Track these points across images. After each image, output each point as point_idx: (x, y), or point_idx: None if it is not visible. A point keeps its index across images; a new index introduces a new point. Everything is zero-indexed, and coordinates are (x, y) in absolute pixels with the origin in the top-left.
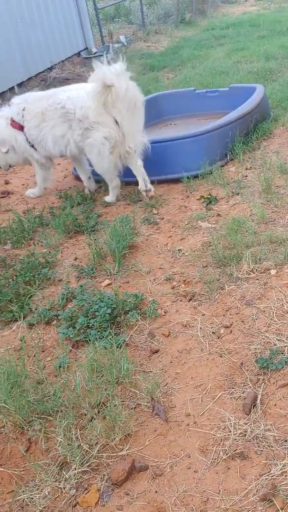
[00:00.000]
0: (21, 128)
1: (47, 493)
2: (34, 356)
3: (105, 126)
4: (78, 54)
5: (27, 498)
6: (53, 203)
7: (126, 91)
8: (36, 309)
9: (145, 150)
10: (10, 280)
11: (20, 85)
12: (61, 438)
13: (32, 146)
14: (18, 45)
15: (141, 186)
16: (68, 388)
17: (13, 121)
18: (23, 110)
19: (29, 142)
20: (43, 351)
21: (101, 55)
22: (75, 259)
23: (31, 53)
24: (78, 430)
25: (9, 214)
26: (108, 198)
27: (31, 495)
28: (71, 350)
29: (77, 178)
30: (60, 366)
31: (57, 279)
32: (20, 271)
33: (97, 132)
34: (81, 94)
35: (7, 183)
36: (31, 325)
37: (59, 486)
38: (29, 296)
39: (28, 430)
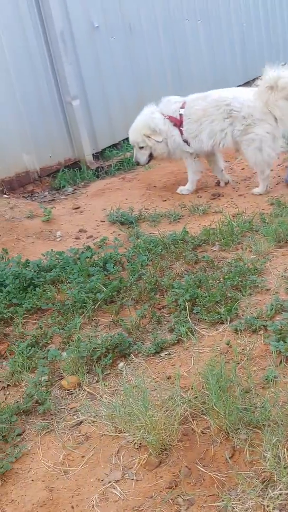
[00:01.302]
0: (178, 123)
1: (249, 507)
2: (240, 363)
3: (267, 123)
4: None
5: (229, 506)
6: (263, 209)
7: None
8: (243, 315)
9: None
10: (217, 281)
11: None
12: (269, 454)
13: (185, 141)
14: (241, 49)
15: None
16: (277, 403)
17: (170, 116)
18: (182, 107)
19: (183, 137)
20: (249, 359)
21: None
22: (285, 270)
23: (252, 57)
24: (286, 450)
25: (218, 216)
26: (257, 190)
27: (233, 504)
28: (281, 364)
29: None
30: (270, 379)
31: (265, 288)
32: (228, 274)
33: (259, 128)
34: (247, 95)
35: (217, 184)
36: (237, 331)
37: (262, 502)
38: (236, 300)
39: (233, 437)
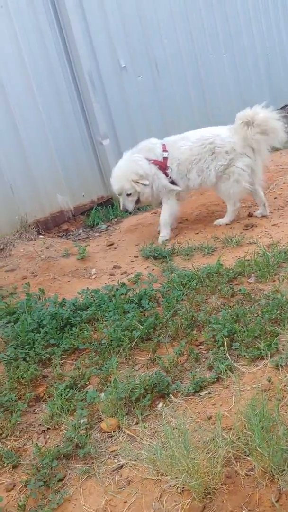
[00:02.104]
0: (164, 165)
1: None
2: (282, 400)
3: (246, 156)
4: None
5: None
6: None
7: (265, 123)
8: (283, 350)
9: None
10: (255, 315)
11: None
12: None
13: (172, 182)
14: (268, 78)
15: (261, 211)
16: None
17: (155, 161)
18: (165, 151)
19: (170, 179)
20: None
21: None
22: None
23: (278, 86)
24: None
25: (253, 247)
26: (222, 220)
27: None
28: None
29: None
30: None
31: None
32: (266, 307)
33: (240, 162)
34: (226, 132)
35: (250, 215)
36: (278, 366)
37: None
38: (276, 335)
39: (278, 480)
